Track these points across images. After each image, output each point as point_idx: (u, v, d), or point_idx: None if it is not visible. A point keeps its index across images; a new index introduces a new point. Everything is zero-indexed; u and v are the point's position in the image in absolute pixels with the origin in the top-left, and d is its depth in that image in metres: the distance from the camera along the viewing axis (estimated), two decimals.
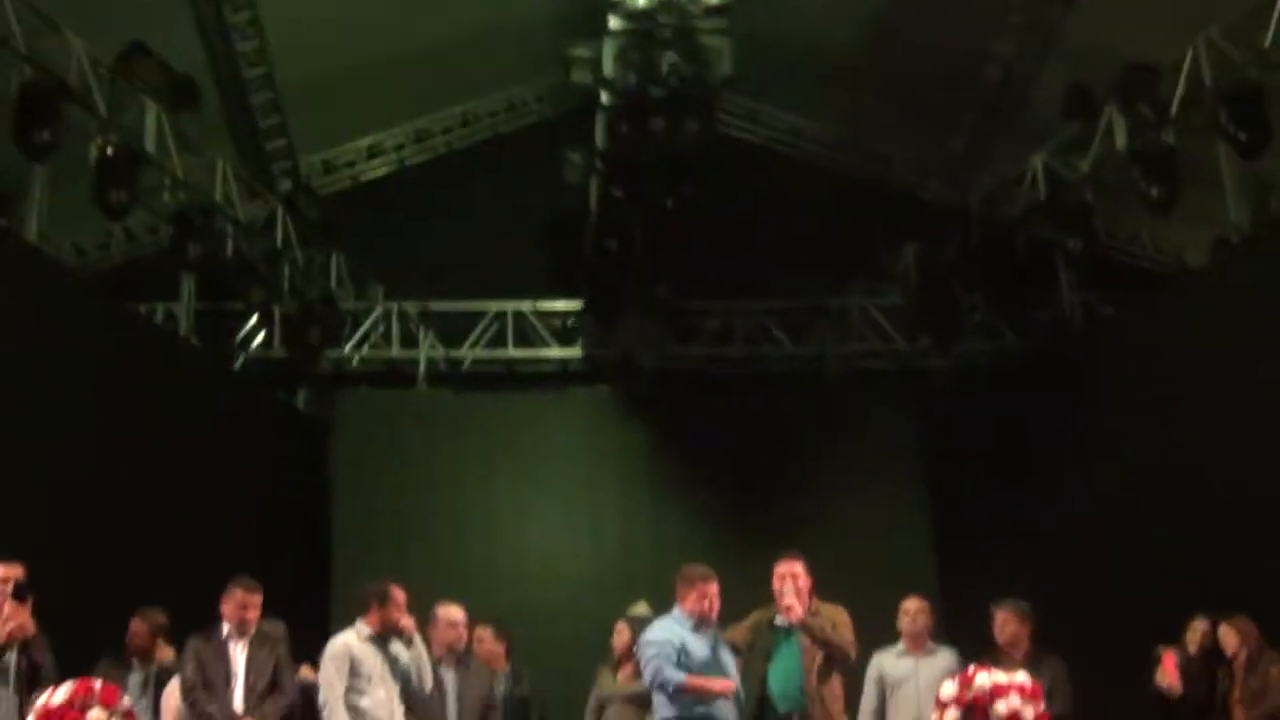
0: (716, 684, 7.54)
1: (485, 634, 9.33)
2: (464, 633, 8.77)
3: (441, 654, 8.56)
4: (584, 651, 9.35)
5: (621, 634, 8.82)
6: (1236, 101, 11.00)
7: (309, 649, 8.51)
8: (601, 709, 8.58)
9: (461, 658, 8.74)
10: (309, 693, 8.23)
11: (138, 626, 8.75)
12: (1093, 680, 8.77)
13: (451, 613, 8.75)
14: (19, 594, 7.66)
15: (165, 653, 8.69)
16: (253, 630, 8.05)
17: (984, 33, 12.99)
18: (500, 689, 9.05)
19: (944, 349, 14.67)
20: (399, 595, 8.29)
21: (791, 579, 8.08)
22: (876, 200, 14.98)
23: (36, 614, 7.70)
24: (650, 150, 11.72)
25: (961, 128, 14.25)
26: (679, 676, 7.54)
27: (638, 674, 8.47)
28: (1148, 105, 11.85)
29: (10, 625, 7.57)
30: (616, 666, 8.82)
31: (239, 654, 7.95)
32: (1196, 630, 9.08)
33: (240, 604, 8.00)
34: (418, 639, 8.28)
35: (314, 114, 14.23)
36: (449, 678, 8.55)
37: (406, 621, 8.24)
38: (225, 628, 8.00)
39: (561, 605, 12.32)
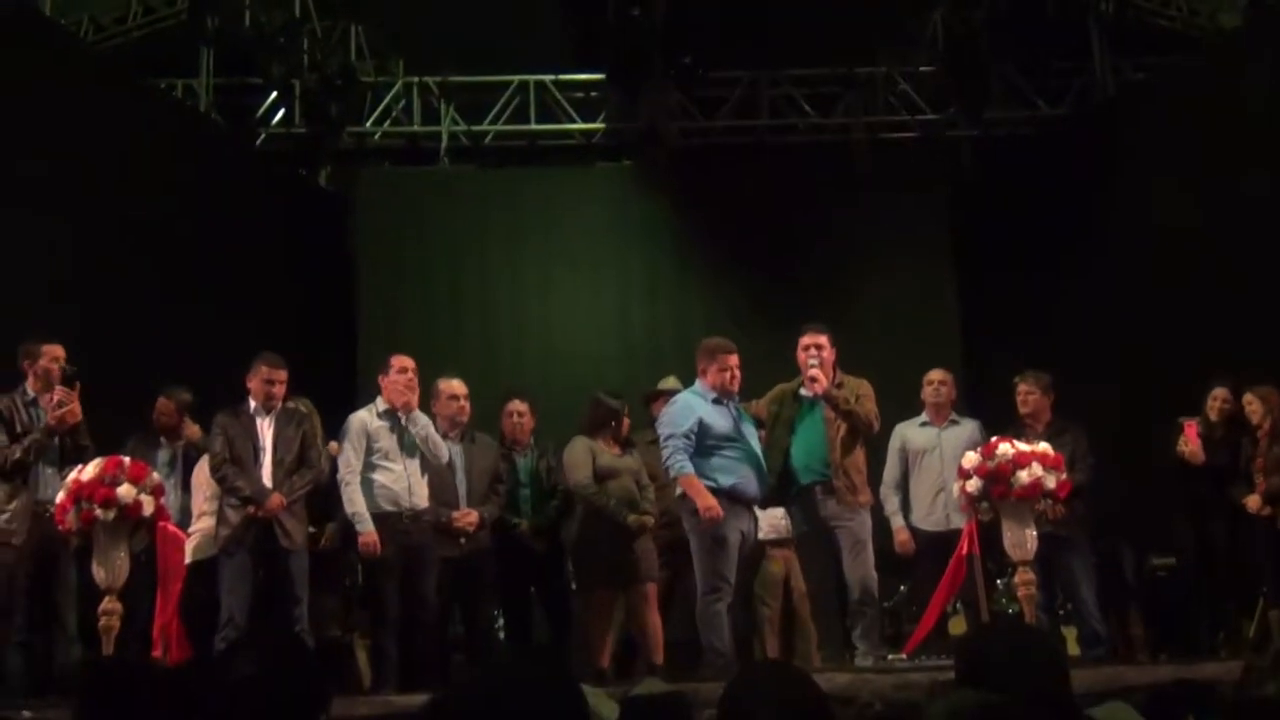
0: (707, 498, 7.59)
1: (523, 407, 9.29)
2: (466, 405, 8.79)
3: (446, 427, 8.61)
4: None
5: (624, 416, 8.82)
6: None
7: (335, 426, 8.58)
8: (602, 479, 8.54)
9: (466, 431, 8.81)
10: (336, 468, 8.35)
11: (164, 405, 8.83)
12: (1115, 450, 8.85)
13: (453, 385, 8.78)
14: (69, 380, 7.81)
15: (192, 430, 8.78)
16: (279, 406, 8.10)
17: None
18: (525, 461, 9.14)
19: (972, 118, 14.48)
20: (397, 362, 8.38)
21: (816, 350, 8.13)
22: None
23: None
24: None
25: None
26: (687, 468, 7.66)
27: (620, 448, 8.62)
28: None
29: (63, 411, 7.71)
30: (602, 435, 8.67)
31: (266, 429, 8.02)
32: (1217, 398, 9.10)
33: (266, 379, 8.04)
34: (416, 412, 8.34)
35: None
36: (455, 452, 8.62)
37: (397, 395, 8.31)
38: (252, 404, 8.06)
39: (588, 381, 12.24)
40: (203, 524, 8.24)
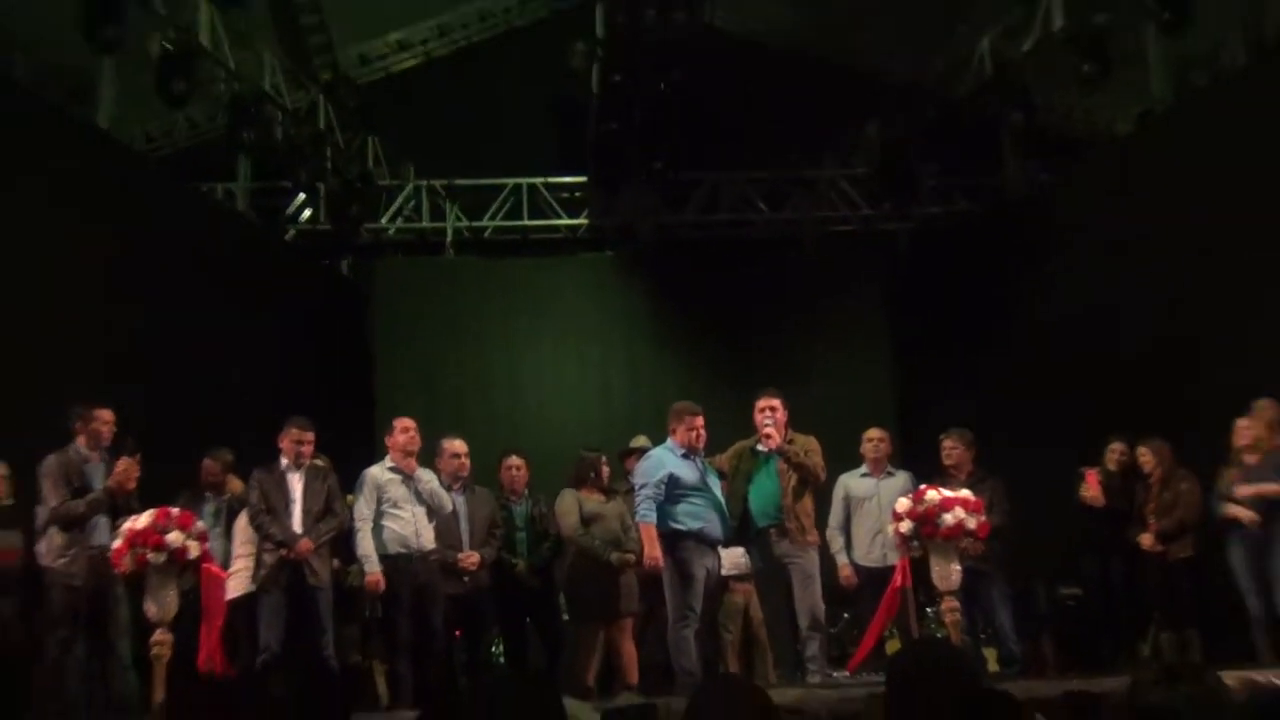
0: (654, 549, 7.69)
1: (519, 462, 9.35)
2: (467, 462, 8.85)
3: (449, 480, 8.65)
4: None
5: (603, 466, 8.90)
6: None
7: (353, 481, 8.62)
8: (587, 523, 8.63)
9: (467, 484, 8.85)
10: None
11: (209, 465, 8.87)
12: (1028, 496, 8.93)
13: (455, 444, 8.84)
14: (132, 452, 7.84)
15: (235, 485, 8.80)
16: (308, 463, 8.15)
17: None
18: (520, 508, 9.19)
19: (904, 214, 14.68)
20: (399, 423, 8.47)
21: (770, 411, 8.22)
22: (844, 82, 14.86)
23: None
24: (644, 39, 11.63)
25: (918, 15, 14.07)
26: (649, 518, 7.75)
27: (606, 495, 8.71)
28: None
29: (123, 479, 7.75)
30: (585, 486, 8.76)
31: (297, 483, 8.02)
32: (1115, 450, 9.22)
33: (296, 440, 8.07)
34: (419, 470, 8.41)
35: (350, 11, 14.09)
36: (458, 502, 8.67)
37: (409, 460, 8.38)
38: (283, 461, 8.08)
39: (574, 439, 12.26)
40: (240, 565, 8.27)
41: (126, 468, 7.79)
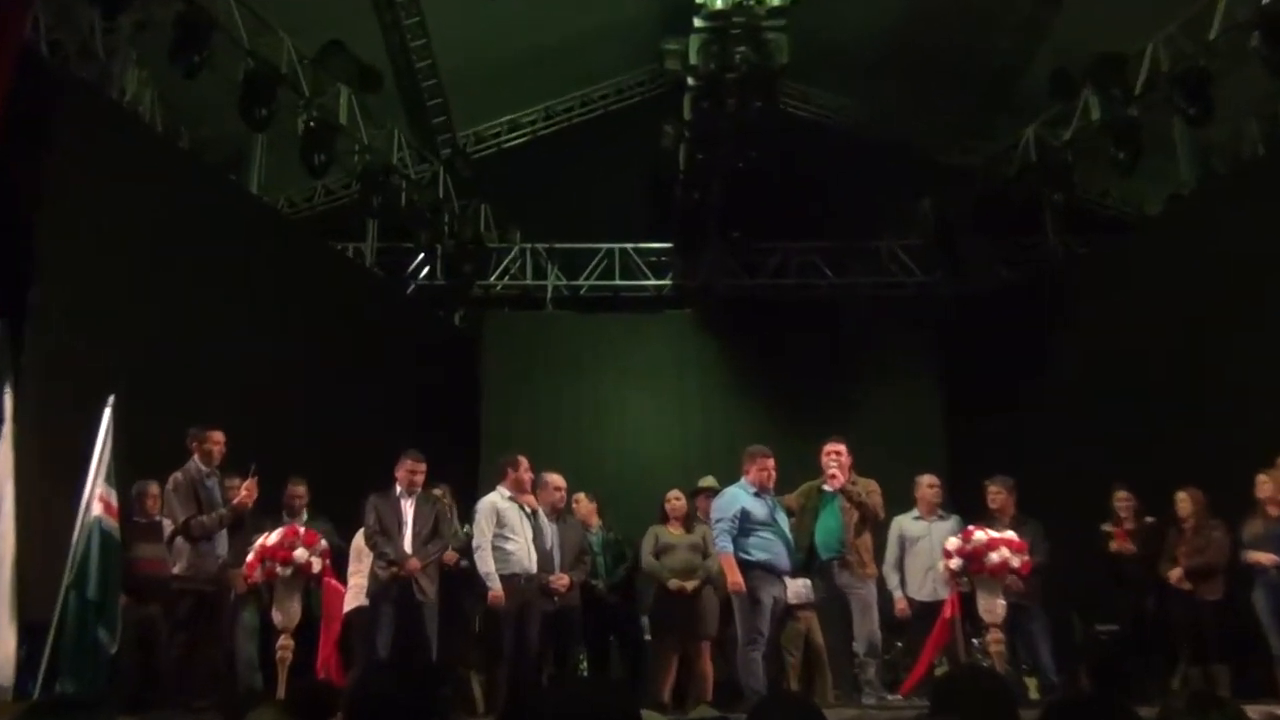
0: (736, 575, 7.49)
1: (581, 497, 9.40)
2: (564, 494, 8.67)
3: (547, 511, 8.47)
4: None
5: (674, 500, 8.72)
6: (1187, 83, 10.80)
7: (462, 510, 8.51)
8: (660, 554, 8.47)
9: (561, 514, 8.66)
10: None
11: (293, 490, 8.71)
12: (1065, 537, 8.64)
13: (554, 478, 8.64)
14: (256, 473, 7.95)
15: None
16: (419, 491, 8.03)
17: (989, 31, 12.64)
18: (596, 537, 9.06)
19: (953, 281, 14.48)
20: (524, 462, 8.33)
21: (835, 455, 8.09)
22: (901, 162, 14.69)
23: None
24: (725, 123, 11.59)
25: (970, 106, 13.92)
26: (727, 549, 7.57)
27: (685, 528, 8.51)
28: (1117, 87, 11.63)
29: (246, 498, 7.85)
30: (668, 521, 8.59)
31: (408, 509, 7.89)
32: (1120, 498, 8.94)
33: (410, 470, 7.97)
34: (537, 506, 8.31)
35: (468, 96, 14.18)
36: (551, 530, 8.45)
37: (526, 494, 8.27)
38: (398, 488, 7.97)
39: (653, 477, 12.14)
40: (355, 581, 8.16)
41: (249, 489, 7.79)
